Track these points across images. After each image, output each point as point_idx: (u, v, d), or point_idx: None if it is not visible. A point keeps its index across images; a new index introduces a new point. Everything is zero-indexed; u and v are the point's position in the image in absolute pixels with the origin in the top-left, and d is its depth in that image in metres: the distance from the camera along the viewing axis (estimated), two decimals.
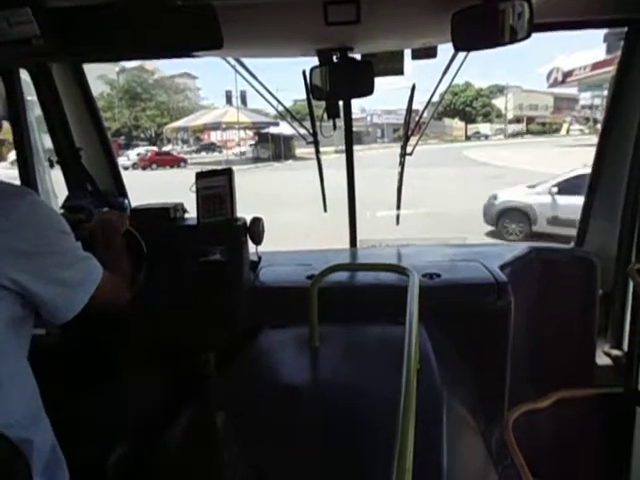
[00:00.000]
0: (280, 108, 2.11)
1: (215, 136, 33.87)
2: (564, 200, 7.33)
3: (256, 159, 25.79)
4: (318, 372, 1.29)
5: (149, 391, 1.40)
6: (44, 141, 1.99)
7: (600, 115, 30.56)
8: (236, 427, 1.09)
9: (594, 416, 1.84)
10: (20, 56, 1.64)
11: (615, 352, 1.85)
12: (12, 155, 1.91)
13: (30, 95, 1.85)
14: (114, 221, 1.40)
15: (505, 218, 8.31)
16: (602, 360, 1.85)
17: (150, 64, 31.71)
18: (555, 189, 7.83)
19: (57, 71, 1.80)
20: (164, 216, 1.68)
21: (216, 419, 1.09)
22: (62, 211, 1.74)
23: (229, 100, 25.87)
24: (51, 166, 1.91)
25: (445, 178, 14.40)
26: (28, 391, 0.98)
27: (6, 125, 1.80)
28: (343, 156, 2.03)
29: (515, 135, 42.05)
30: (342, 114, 1.94)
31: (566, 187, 7.45)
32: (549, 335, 1.82)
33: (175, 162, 24.83)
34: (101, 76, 27.32)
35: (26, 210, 0.94)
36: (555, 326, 1.82)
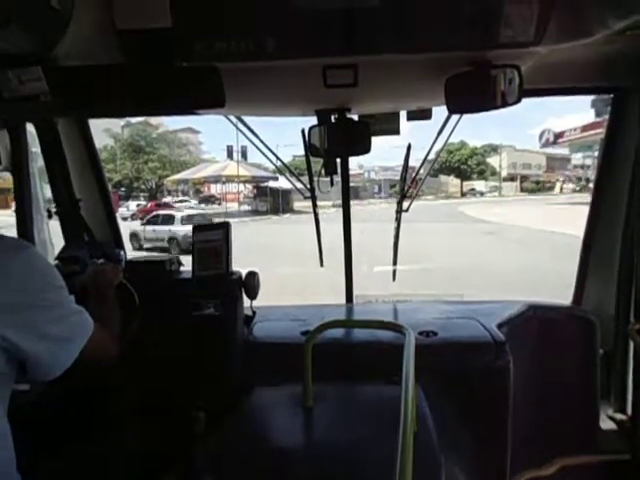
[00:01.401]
0: (279, 163, 2.16)
1: (215, 189, 34.43)
2: None
3: (255, 212, 26.09)
4: (311, 434, 1.24)
5: (135, 450, 1.34)
6: (44, 191, 2.01)
7: (592, 174, 31.42)
8: None
9: None
10: (28, 111, 1.70)
11: (619, 416, 1.79)
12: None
13: (34, 147, 1.89)
14: (108, 273, 1.39)
15: None
16: (606, 424, 1.79)
17: (155, 119, 32.68)
18: None
19: (62, 124, 1.85)
20: (159, 269, 1.67)
21: None
22: (57, 262, 1.73)
23: (230, 154, 26.52)
24: (49, 217, 1.92)
25: (441, 234, 14.53)
26: (4, 453, 0.93)
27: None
28: (340, 210, 2.06)
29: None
30: (340, 171, 1.98)
31: None
32: (550, 396, 1.76)
33: None
34: (106, 129, 28.12)
35: (22, 264, 0.94)
36: (556, 387, 1.77)
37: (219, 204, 31.13)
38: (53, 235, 2.07)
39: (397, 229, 2.08)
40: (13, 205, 1.87)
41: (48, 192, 1.98)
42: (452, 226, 16.92)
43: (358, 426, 1.21)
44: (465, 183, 44.05)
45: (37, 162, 1.93)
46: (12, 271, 0.91)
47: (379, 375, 1.38)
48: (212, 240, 1.60)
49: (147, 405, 1.49)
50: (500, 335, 1.58)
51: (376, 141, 1.77)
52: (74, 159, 1.92)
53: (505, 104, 1.35)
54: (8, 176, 1.82)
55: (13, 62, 1.24)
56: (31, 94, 1.29)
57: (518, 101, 1.33)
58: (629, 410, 1.77)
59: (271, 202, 26.09)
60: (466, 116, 1.70)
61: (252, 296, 1.65)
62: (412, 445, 0.74)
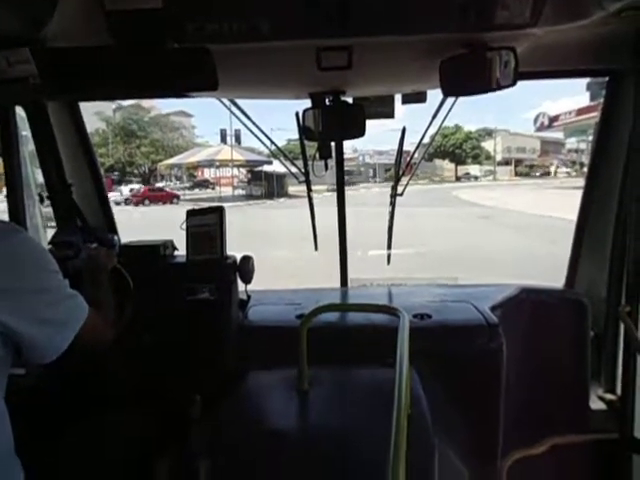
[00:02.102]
0: (273, 147, 2.14)
1: (209, 173, 34.21)
2: None
3: (249, 196, 26.00)
4: (306, 416, 1.26)
5: (130, 433, 1.35)
6: (36, 176, 1.99)
7: (586, 159, 31.49)
8: (221, 474, 1.05)
9: (589, 462, 1.80)
10: (17, 94, 1.66)
11: (609, 397, 1.82)
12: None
13: (25, 130, 1.86)
14: (101, 258, 1.38)
15: None
16: (596, 404, 1.82)
17: (147, 102, 32.33)
18: None
19: (52, 108, 1.81)
20: (153, 253, 1.66)
21: (198, 466, 1.04)
22: (50, 247, 1.72)
23: (223, 138, 26.30)
24: (41, 201, 1.90)
25: (435, 218, 14.56)
26: (2, 436, 0.94)
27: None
28: (335, 194, 2.06)
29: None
30: (334, 154, 1.97)
31: None
32: (541, 378, 1.79)
33: (168, 198, 24.95)
34: (98, 113, 27.76)
35: (15, 248, 0.93)
36: (548, 368, 1.79)
37: (213, 188, 31.00)
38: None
39: (392, 213, 2.08)
40: (4, 190, 1.85)
41: (39, 177, 1.96)
42: (446, 210, 16.96)
43: (353, 408, 1.23)
44: (459, 167, 44.03)
45: (27, 146, 1.91)
46: (4, 255, 0.90)
47: (374, 358, 1.40)
48: (206, 224, 1.59)
49: (142, 389, 1.50)
50: (493, 318, 1.60)
51: (370, 125, 1.77)
52: (65, 143, 1.90)
53: (500, 87, 1.34)
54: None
55: (1, 44, 1.21)
56: (20, 76, 1.27)
57: (513, 84, 1.33)
58: (618, 390, 1.81)
59: (265, 186, 26.01)
60: (460, 100, 1.69)
61: (247, 280, 1.65)
62: (406, 427, 0.75)
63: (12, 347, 0.95)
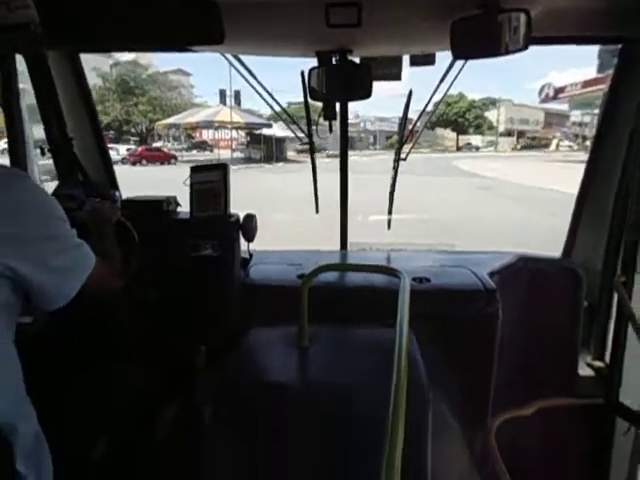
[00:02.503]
0: (277, 108, 2.11)
1: (207, 135, 33.74)
2: None
3: (248, 159, 25.73)
4: (307, 371, 1.29)
5: (136, 382, 1.39)
6: (32, 131, 1.96)
7: (589, 132, 31.14)
8: (222, 423, 1.09)
9: (575, 425, 1.87)
10: (18, 42, 1.62)
11: (597, 363, 1.88)
12: (1, 143, 1.87)
13: (22, 83, 1.82)
14: (106, 210, 1.39)
15: None
16: (584, 371, 1.88)
17: (144, 59, 31.59)
18: None
19: (53, 60, 1.77)
20: (156, 209, 1.66)
21: (203, 414, 1.08)
22: None
23: (223, 99, 25.79)
24: (42, 154, 1.88)
25: (436, 187, 14.50)
26: (13, 378, 0.97)
27: None
28: (335, 160, 2.04)
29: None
30: (338, 117, 1.95)
31: None
32: (534, 343, 1.84)
33: (165, 159, 24.70)
34: (95, 69, 27.08)
35: (23, 194, 0.93)
36: (540, 335, 1.84)
37: (211, 151, 30.63)
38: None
39: (394, 178, 2.08)
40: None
41: (36, 132, 1.93)
42: (446, 180, 16.88)
43: (353, 365, 1.26)
44: (461, 137, 43.55)
45: (24, 100, 1.87)
46: (12, 202, 0.91)
47: (373, 318, 1.42)
48: (210, 181, 1.59)
49: (148, 341, 1.53)
50: (491, 283, 1.63)
51: (374, 89, 1.74)
52: (66, 97, 1.86)
53: (512, 50, 1.32)
54: None
55: None
56: (20, 22, 1.24)
57: (525, 47, 1.30)
58: (607, 358, 1.86)
59: (264, 150, 25.69)
60: (465, 67, 1.67)
61: (249, 238, 1.66)
62: (406, 384, 0.77)
63: (21, 293, 0.97)
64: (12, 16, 1.24)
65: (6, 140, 1.78)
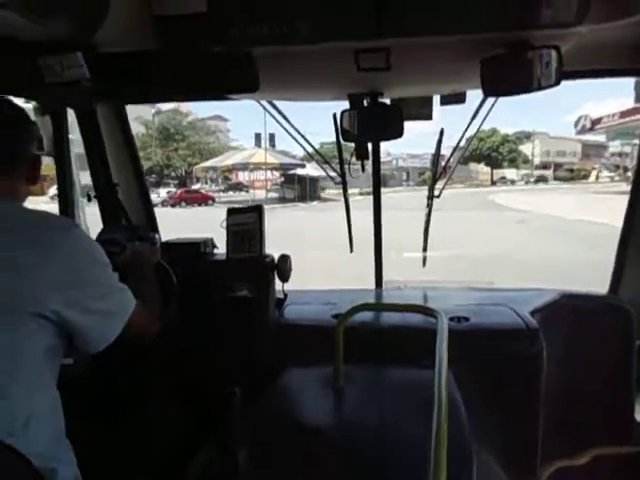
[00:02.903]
0: (310, 149, 2.16)
1: (243, 176, 34.70)
2: None
3: (282, 199, 26.20)
4: (342, 413, 1.26)
5: (173, 426, 1.39)
6: (79, 177, 2.07)
7: (630, 162, 30.24)
8: (258, 468, 1.07)
9: (633, 475, 1.73)
10: (70, 98, 1.75)
11: None
12: (51, 190, 1.98)
13: (71, 134, 1.94)
14: (146, 253, 1.43)
15: None
16: None
17: (184, 106, 33.19)
18: None
19: (101, 111, 1.90)
20: (194, 251, 1.71)
21: (237, 459, 1.07)
22: None
23: (258, 142, 26.62)
24: (89, 200, 1.98)
25: (471, 222, 14.28)
26: (56, 421, 0.99)
27: (46, 161, 1.88)
28: (367, 198, 2.05)
29: (538, 181, 41.62)
30: (371, 156, 1.97)
31: None
32: (584, 387, 1.74)
33: (203, 200, 25.49)
34: (138, 117, 28.61)
35: (71, 243, 0.98)
36: (589, 377, 1.74)
37: (247, 191, 31.41)
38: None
39: (428, 215, 2.06)
40: (49, 191, 1.93)
41: (83, 178, 2.05)
42: (483, 215, 16.62)
43: (388, 407, 1.22)
44: (496, 171, 43.10)
45: (72, 149, 2.00)
46: (61, 250, 0.95)
47: (409, 359, 1.39)
48: (246, 223, 1.63)
49: (184, 382, 1.54)
50: (533, 322, 1.56)
51: (405, 128, 1.76)
52: (112, 145, 1.98)
53: (543, 86, 1.31)
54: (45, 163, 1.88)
55: (55, 48, 1.28)
56: (72, 80, 1.33)
57: (557, 83, 1.29)
58: None
59: (298, 189, 26.13)
60: (497, 103, 1.67)
61: (284, 279, 1.67)
62: (447, 429, 0.74)
63: (65, 338, 1.00)
64: (64, 74, 1.33)
65: (56, 187, 1.89)
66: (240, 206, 1.68)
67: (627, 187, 1.86)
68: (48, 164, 1.89)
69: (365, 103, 1.76)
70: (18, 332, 0.90)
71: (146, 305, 1.18)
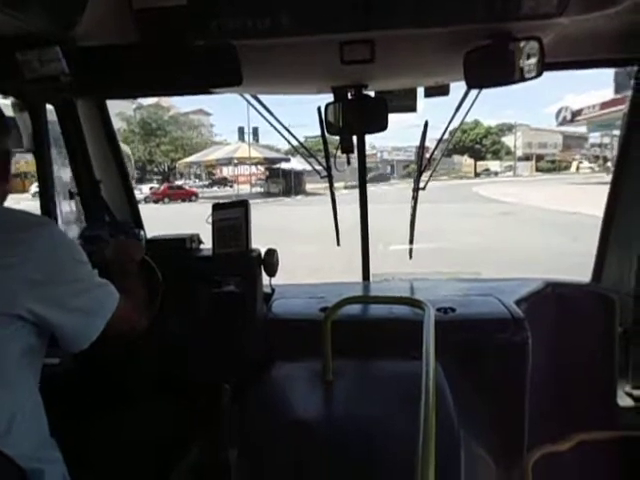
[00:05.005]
0: (295, 143, 2.16)
1: (227, 171, 34.52)
2: None
3: (267, 194, 26.12)
4: (332, 407, 1.27)
5: (161, 423, 1.38)
6: (61, 174, 2.04)
7: (610, 153, 30.78)
8: (248, 462, 1.07)
9: (616, 459, 1.77)
10: (48, 92, 1.71)
11: (637, 393, 1.79)
12: (33, 187, 1.95)
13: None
14: (130, 248, 1.41)
15: None
16: (624, 401, 1.79)
17: (166, 101, 32.82)
18: None
19: (81, 106, 1.86)
20: (180, 247, 1.69)
21: (228, 455, 1.07)
22: (79, 241, 1.77)
23: (241, 136, 26.49)
24: (71, 197, 1.95)
25: (455, 214, 14.40)
26: (39, 422, 0.97)
27: (27, 158, 1.85)
28: (352, 191, 2.06)
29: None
30: (356, 150, 1.97)
31: None
32: (568, 374, 1.77)
33: (187, 196, 25.30)
34: (119, 113, 28.21)
35: (46, 241, 0.95)
36: (574, 364, 1.77)
37: (231, 187, 31.27)
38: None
39: (414, 207, 2.07)
40: (31, 189, 1.90)
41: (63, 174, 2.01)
42: (467, 207, 16.76)
43: (378, 400, 1.23)
44: (479, 163, 43.51)
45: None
46: (36, 247, 0.93)
47: (397, 351, 1.40)
48: (232, 218, 1.62)
49: (171, 379, 1.53)
50: (519, 312, 1.58)
51: (389, 121, 1.76)
52: (93, 141, 1.94)
53: (526, 78, 1.32)
54: (24, 159, 1.85)
55: (33, 43, 1.25)
56: (51, 74, 1.31)
57: (539, 75, 1.31)
58: None
59: (283, 184, 26.07)
60: (480, 95, 1.68)
61: (271, 273, 1.67)
62: (434, 418, 0.75)
63: (46, 337, 0.98)
64: (43, 69, 1.30)
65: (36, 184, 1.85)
66: (225, 201, 1.67)
67: (608, 177, 1.89)
68: (29, 161, 1.86)
69: (349, 96, 1.76)
70: None
71: (130, 300, 1.15)
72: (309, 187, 26.12)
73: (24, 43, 1.25)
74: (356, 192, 2.08)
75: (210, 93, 1.70)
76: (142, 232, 1.98)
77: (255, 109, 1.88)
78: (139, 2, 1.21)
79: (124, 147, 1.89)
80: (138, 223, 2.10)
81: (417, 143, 2.04)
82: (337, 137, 1.89)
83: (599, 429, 1.77)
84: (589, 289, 1.89)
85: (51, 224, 1.02)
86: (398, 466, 0.95)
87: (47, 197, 1.83)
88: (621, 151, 1.79)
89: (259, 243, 1.66)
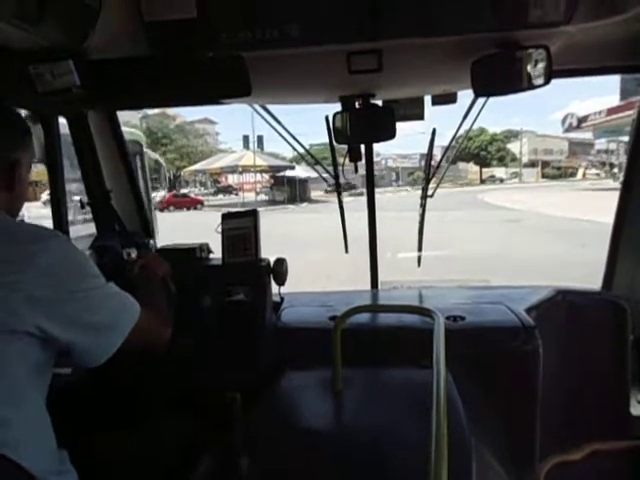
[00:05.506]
0: (302, 151, 2.17)
1: (232, 179, 34.66)
2: None
3: (272, 202, 26.18)
4: (342, 416, 1.26)
5: (171, 432, 1.38)
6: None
7: (616, 159, 30.62)
8: (259, 471, 1.06)
9: (630, 469, 1.75)
10: (61, 105, 1.74)
11: None
12: (44, 195, 1.97)
13: None
14: (154, 266, 1.40)
15: None
16: (637, 410, 1.77)
17: (172, 110, 33.07)
18: None
19: (92, 117, 1.88)
20: (190, 256, 1.70)
21: (238, 464, 1.06)
22: (90, 251, 1.78)
23: (246, 144, 26.63)
24: (82, 207, 1.97)
25: (462, 222, 14.35)
26: (48, 435, 0.94)
27: (38, 167, 1.87)
28: (357, 199, 2.06)
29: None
30: (364, 158, 1.98)
31: None
32: (579, 382, 1.75)
33: (192, 204, 25.39)
34: (126, 122, 28.41)
35: (52, 255, 0.91)
36: (585, 373, 1.76)
37: (236, 194, 31.38)
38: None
39: (422, 215, 2.07)
40: (42, 197, 1.92)
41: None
42: (473, 214, 16.69)
43: (388, 409, 1.22)
44: (485, 170, 43.45)
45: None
46: (43, 261, 0.89)
47: (406, 359, 1.40)
48: (241, 227, 1.63)
49: (181, 389, 1.53)
50: (529, 320, 1.57)
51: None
52: (104, 151, 1.96)
53: (533, 86, 1.33)
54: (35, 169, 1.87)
55: (45, 56, 1.27)
56: (63, 87, 1.32)
57: (547, 82, 1.31)
58: None
59: (288, 192, 26.12)
60: (487, 103, 1.69)
61: (280, 282, 1.67)
62: (446, 427, 0.74)
63: (52, 354, 0.94)
64: (55, 82, 1.32)
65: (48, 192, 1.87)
66: (235, 210, 1.68)
67: (614, 184, 1.88)
68: (41, 170, 1.88)
69: (357, 105, 1.77)
70: (3, 351, 0.85)
71: (154, 314, 1.12)
72: (313, 194, 26.18)
73: (37, 57, 1.26)
74: (360, 199, 2.08)
75: (219, 103, 1.71)
76: (152, 241, 2.00)
77: (262, 117, 1.90)
78: (150, 15, 1.24)
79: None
80: (148, 232, 2.12)
81: (421, 150, 2.06)
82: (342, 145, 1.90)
83: (612, 438, 1.75)
84: (600, 297, 1.88)
85: (60, 237, 0.97)
86: (409, 475, 0.95)
87: (59, 207, 1.85)
88: (631, 158, 1.78)
89: (268, 252, 1.67)
